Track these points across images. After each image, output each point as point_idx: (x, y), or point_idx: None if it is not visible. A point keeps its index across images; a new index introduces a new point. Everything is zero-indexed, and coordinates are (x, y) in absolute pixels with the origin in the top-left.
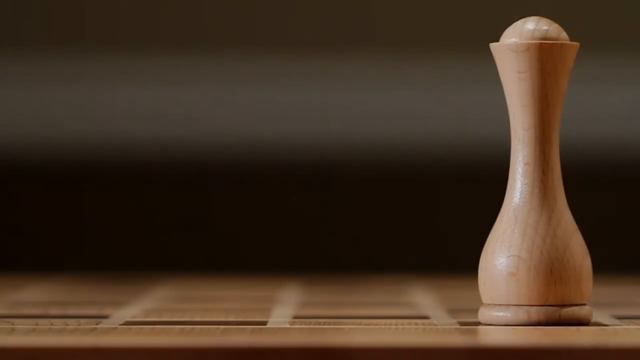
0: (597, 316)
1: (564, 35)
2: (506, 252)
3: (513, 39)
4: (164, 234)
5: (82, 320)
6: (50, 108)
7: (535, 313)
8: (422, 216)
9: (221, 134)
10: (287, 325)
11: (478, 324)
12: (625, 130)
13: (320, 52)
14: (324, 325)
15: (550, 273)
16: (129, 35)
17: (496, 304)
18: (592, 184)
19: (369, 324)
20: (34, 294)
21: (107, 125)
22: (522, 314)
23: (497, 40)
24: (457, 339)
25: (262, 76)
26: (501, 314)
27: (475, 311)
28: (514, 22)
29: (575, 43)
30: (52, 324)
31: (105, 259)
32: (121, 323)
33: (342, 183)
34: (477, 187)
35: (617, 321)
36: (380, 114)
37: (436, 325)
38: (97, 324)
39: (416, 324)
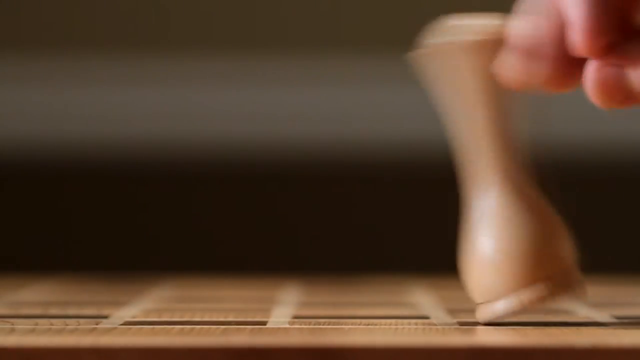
0: (597, 316)
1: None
2: (483, 249)
3: (464, 36)
4: (164, 234)
5: (81, 320)
6: (50, 108)
7: (527, 296)
8: (422, 216)
9: (221, 134)
10: (287, 325)
11: (478, 323)
12: (622, 130)
13: (320, 52)
14: (324, 325)
15: (533, 255)
16: (128, 35)
17: (489, 301)
18: (592, 183)
19: (369, 324)
20: (33, 294)
21: (108, 126)
22: (515, 302)
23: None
24: (457, 339)
25: (261, 76)
26: (496, 307)
27: (475, 311)
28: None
29: (489, 38)
30: (51, 324)
31: (105, 259)
32: (121, 323)
33: (342, 183)
34: None
35: (617, 321)
36: (380, 113)
37: (436, 325)
38: (96, 324)
39: (416, 324)
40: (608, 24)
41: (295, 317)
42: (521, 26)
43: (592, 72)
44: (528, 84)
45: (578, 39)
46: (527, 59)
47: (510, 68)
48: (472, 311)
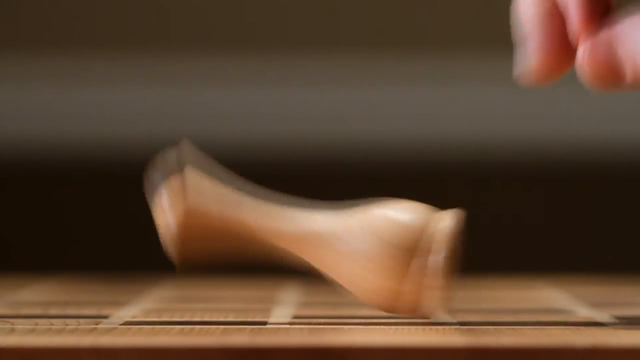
0: (597, 316)
1: None
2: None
3: None
4: None
5: (81, 320)
6: (50, 108)
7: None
8: None
9: (221, 134)
10: (287, 325)
11: (478, 323)
12: (622, 130)
13: (320, 52)
14: (324, 325)
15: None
16: (128, 35)
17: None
18: (591, 183)
19: (369, 324)
20: (33, 294)
21: (108, 126)
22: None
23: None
24: (457, 339)
25: (261, 76)
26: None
27: (475, 311)
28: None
29: None
30: (51, 324)
31: (105, 259)
32: (121, 323)
33: (342, 183)
34: (476, 187)
35: (617, 321)
36: (380, 113)
37: (436, 325)
38: (96, 324)
39: (416, 324)
40: (599, 10)
41: (295, 317)
42: (531, 24)
43: (583, 51)
44: (551, 77)
45: (575, 25)
46: (549, 51)
47: (532, 66)
48: (472, 311)
